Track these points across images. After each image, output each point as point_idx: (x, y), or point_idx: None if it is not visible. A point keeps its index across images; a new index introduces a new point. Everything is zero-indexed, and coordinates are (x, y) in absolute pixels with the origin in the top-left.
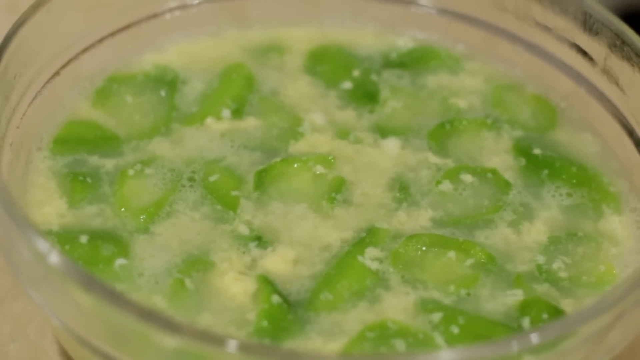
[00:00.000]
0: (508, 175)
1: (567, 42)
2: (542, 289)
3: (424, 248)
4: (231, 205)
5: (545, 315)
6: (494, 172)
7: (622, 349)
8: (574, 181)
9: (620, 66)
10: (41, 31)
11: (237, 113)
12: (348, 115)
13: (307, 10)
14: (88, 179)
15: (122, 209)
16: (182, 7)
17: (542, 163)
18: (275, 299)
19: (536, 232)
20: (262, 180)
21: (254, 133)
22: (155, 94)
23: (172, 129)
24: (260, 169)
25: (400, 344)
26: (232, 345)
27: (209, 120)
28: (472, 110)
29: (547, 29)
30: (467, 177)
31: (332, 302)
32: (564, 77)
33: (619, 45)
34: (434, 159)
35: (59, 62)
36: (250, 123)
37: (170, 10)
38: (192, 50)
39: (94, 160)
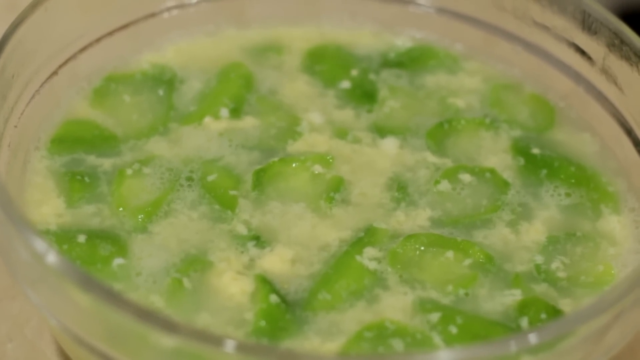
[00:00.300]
0: (506, 175)
1: (566, 41)
2: (540, 288)
3: (422, 248)
4: (229, 204)
5: (543, 315)
6: (492, 171)
7: (620, 349)
8: (573, 181)
9: (618, 65)
10: (39, 30)
11: (235, 112)
12: (346, 115)
13: (305, 10)
14: (86, 179)
15: (120, 209)
16: (180, 6)
17: (540, 163)
18: (273, 298)
19: (535, 232)
20: (260, 179)
21: (252, 132)
22: (153, 93)
23: (170, 128)
24: (258, 168)
25: (398, 344)
26: (230, 345)
27: (207, 120)
28: (470, 109)
29: (545, 28)
30: (466, 177)
31: (330, 301)
32: (563, 77)
33: (617, 44)
34: (432, 158)
35: (57, 62)
36: (249, 122)
37: (168, 9)
38: (190, 50)
39: (91, 159)
